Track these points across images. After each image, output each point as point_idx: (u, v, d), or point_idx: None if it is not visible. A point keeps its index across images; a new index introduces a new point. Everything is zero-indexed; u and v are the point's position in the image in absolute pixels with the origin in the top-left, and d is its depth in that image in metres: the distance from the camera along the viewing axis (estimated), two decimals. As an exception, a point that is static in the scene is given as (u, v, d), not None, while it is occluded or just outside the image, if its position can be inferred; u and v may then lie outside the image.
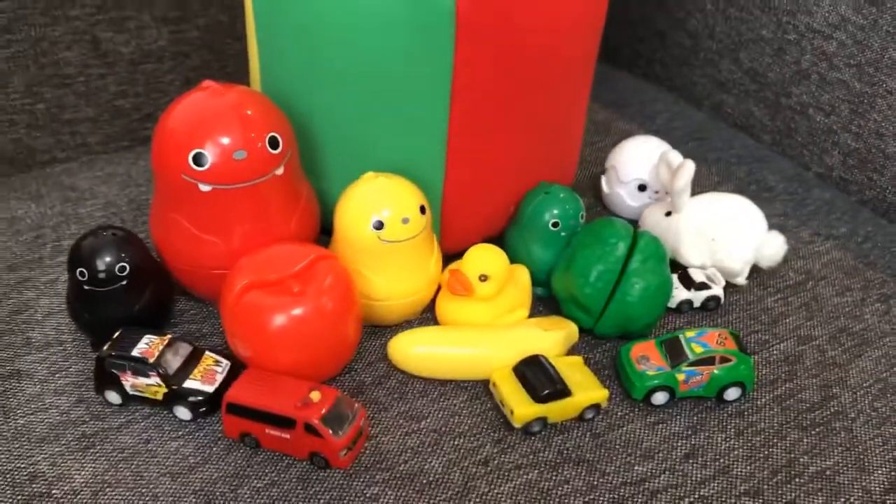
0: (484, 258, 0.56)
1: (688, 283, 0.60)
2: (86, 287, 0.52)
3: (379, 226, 0.53)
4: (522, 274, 0.59)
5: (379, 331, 0.57)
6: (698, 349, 0.53)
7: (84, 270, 0.52)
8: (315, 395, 0.47)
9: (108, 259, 0.52)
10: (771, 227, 0.65)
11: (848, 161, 0.78)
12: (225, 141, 0.51)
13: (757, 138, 0.85)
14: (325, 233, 0.59)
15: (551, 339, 0.55)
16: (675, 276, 0.61)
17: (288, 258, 0.51)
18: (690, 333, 0.54)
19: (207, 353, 0.52)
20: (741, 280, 0.62)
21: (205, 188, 0.51)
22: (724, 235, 0.61)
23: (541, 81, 0.58)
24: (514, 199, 0.62)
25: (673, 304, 0.60)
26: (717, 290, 0.60)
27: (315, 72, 0.57)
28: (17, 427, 0.50)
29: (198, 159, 0.50)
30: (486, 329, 0.55)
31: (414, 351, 0.53)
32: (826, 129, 0.78)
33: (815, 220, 0.72)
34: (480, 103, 0.56)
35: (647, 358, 0.53)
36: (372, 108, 0.56)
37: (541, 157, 0.63)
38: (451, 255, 0.60)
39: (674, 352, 0.53)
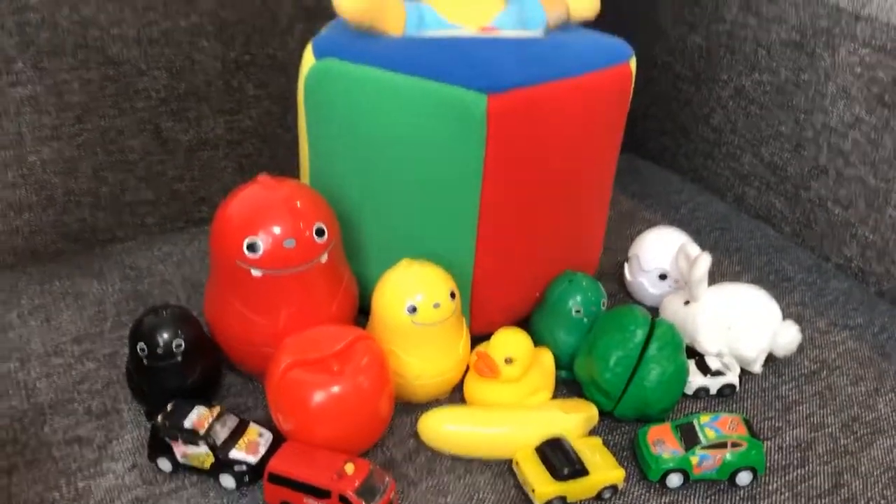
0: (509, 341, 0.60)
1: (704, 369, 0.63)
2: (145, 361, 0.57)
3: (412, 310, 0.58)
4: (547, 357, 0.63)
5: (410, 408, 0.61)
6: (711, 434, 0.56)
7: (144, 346, 0.57)
8: (349, 468, 0.51)
9: (166, 336, 0.57)
10: (788, 316, 0.68)
11: (866, 253, 0.81)
12: (276, 231, 0.56)
13: (778, 229, 0.89)
14: (362, 313, 0.64)
15: (572, 420, 0.58)
16: (692, 363, 0.64)
17: (329, 339, 0.56)
18: (704, 419, 0.57)
19: (252, 425, 0.56)
20: (757, 368, 0.65)
21: (256, 273, 0.56)
22: (740, 325, 0.65)
23: (565, 178, 0.63)
24: (539, 287, 0.66)
25: (690, 390, 0.63)
26: (733, 377, 0.63)
27: (358, 167, 0.63)
28: (77, 489, 0.55)
29: (251, 247, 0.56)
30: (511, 410, 0.59)
31: (443, 429, 0.57)
32: (844, 222, 0.82)
33: (832, 310, 0.75)
34: (508, 198, 0.61)
35: (662, 441, 0.56)
36: (409, 202, 0.62)
37: (565, 247, 0.67)
38: (479, 338, 0.64)
39: (688, 436, 0.56)
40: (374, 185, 0.63)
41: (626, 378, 0.59)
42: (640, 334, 0.59)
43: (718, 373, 0.63)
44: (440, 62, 0.58)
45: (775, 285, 0.76)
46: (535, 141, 0.59)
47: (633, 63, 0.65)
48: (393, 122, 0.60)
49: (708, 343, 0.65)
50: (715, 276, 0.68)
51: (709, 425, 0.56)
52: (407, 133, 0.59)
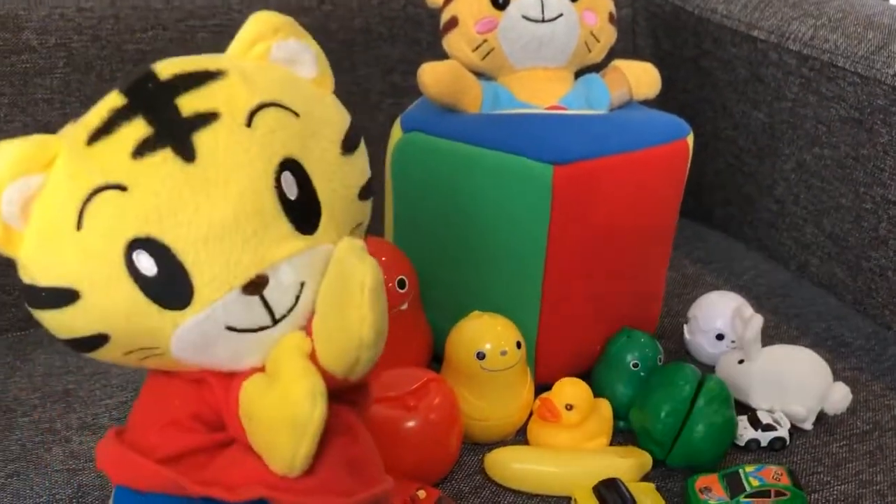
0: (571, 390, 0.65)
1: (756, 424, 0.67)
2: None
3: (481, 356, 0.64)
4: (605, 407, 0.68)
5: (477, 447, 0.66)
6: (755, 483, 0.59)
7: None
8: (421, 494, 0.57)
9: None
10: (843, 379, 0.71)
11: (927, 322, 0.83)
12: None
13: (839, 297, 0.91)
14: (436, 360, 0.70)
15: (627, 464, 0.63)
16: (745, 417, 0.68)
17: (406, 379, 0.62)
18: (749, 468, 0.61)
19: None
20: (807, 425, 0.68)
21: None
22: (791, 383, 0.68)
23: (625, 243, 0.69)
24: (599, 342, 0.71)
25: (741, 441, 0.67)
26: (783, 432, 0.67)
27: (436, 228, 0.70)
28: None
29: (341, 295, 0.63)
30: (571, 452, 0.64)
31: (507, 465, 0.63)
32: (904, 292, 0.85)
33: (889, 376, 0.77)
34: (571, 261, 0.66)
35: (709, 489, 0.60)
36: (480, 261, 0.68)
37: (625, 306, 0.73)
38: (542, 386, 0.69)
39: (733, 484, 0.60)
40: (449, 245, 0.70)
41: (677, 429, 0.63)
42: (688, 389, 0.64)
43: (769, 427, 0.67)
44: (512, 136, 0.65)
45: (832, 350, 0.79)
46: (596, 209, 0.66)
47: (690, 139, 0.71)
48: (468, 189, 0.67)
49: (760, 400, 0.69)
50: (773, 339, 0.71)
51: (753, 475, 0.60)
52: (480, 199, 0.67)
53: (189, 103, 0.38)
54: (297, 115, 0.40)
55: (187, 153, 0.37)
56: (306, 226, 0.39)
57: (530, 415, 0.68)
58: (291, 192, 0.39)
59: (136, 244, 0.37)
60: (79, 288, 0.38)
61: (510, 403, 0.66)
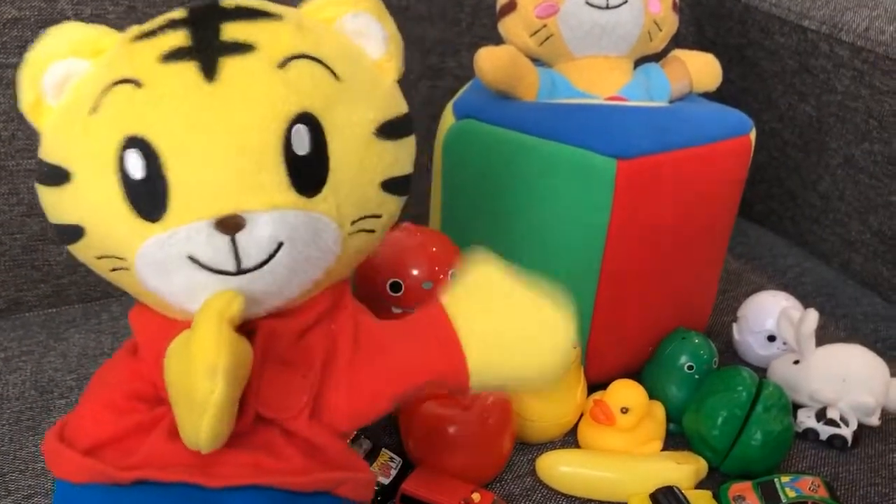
0: (626, 393, 0.63)
1: (820, 416, 0.66)
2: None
3: (537, 355, 0.62)
4: (658, 410, 0.66)
5: (527, 448, 0.65)
6: (791, 493, 0.57)
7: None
8: (476, 496, 0.55)
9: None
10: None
11: (976, 327, 0.81)
12: (416, 273, 0.61)
13: (885, 297, 0.90)
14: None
15: (684, 471, 0.61)
16: (811, 410, 0.66)
17: (458, 377, 0.60)
18: (785, 478, 0.59)
19: (384, 450, 0.61)
20: (874, 420, 0.66)
21: (396, 311, 0.62)
22: (855, 376, 0.67)
23: (683, 241, 0.67)
24: (653, 342, 0.69)
25: (799, 428, 0.65)
26: (846, 431, 0.65)
27: (488, 219, 0.68)
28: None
29: (394, 287, 0.61)
30: (626, 457, 0.62)
31: (560, 469, 0.61)
32: (954, 295, 0.83)
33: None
34: (629, 258, 0.64)
35: (743, 498, 0.58)
36: (534, 256, 0.66)
37: (679, 305, 0.71)
38: (593, 386, 0.68)
39: (768, 494, 0.58)
40: (501, 238, 0.67)
41: (733, 436, 0.61)
42: (746, 395, 0.62)
43: (833, 422, 0.65)
44: (572, 127, 0.63)
45: (882, 353, 0.77)
46: (657, 205, 0.63)
47: (753, 135, 0.69)
48: (524, 181, 0.65)
49: (825, 393, 0.67)
50: (822, 341, 0.70)
51: (789, 485, 0.58)
52: (537, 192, 0.64)
53: (231, 30, 0.38)
54: (336, 78, 0.39)
55: (209, 72, 0.37)
56: (305, 186, 0.38)
57: (581, 416, 0.66)
58: (300, 147, 0.38)
59: (132, 142, 0.37)
60: (72, 170, 0.39)
61: (564, 404, 0.64)
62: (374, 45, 0.42)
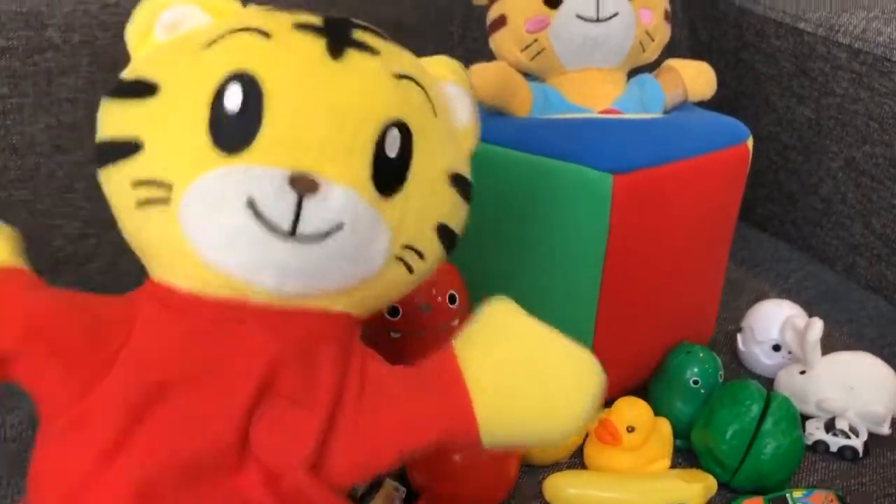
0: (632, 411, 0.62)
1: (830, 427, 0.64)
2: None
3: (539, 376, 0.61)
4: (665, 426, 0.65)
5: (532, 470, 0.64)
6: None
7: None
8: (482, 525, 0.54)
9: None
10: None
11: (984, 328, 0.80)
12: (413, 296, 0.60)
13: (890, 300, 0.88)
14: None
15: (692, 490, 0.60)
16: (820, 421, 0.65)
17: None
18: (798, 493, 0.58)
19: (388, 479, 0.60)
20: (885, 428, 0.65)
21: (395, 335, 0.61)
22: (863, 384, 0.66)
23: (683, 253, 0.66)
24: (656, 356, 0.68)
25: (809, 441, 0.64)
26: (856, 442, 0.64)
27: (486, 239, 0.67)
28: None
29: (391, 311, 0.60)
30: (634, 477, 0.61)
31: (569, 491, 0.60)
32: (960, 297, 0.82)
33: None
34: (628, 272, 0.63)
35: None
36: (534, 274, 0.65)
37: (681, 317, 0.70)
38: (598, 404, 0.67)
39: None
40: (500, 256, 0.67)
41: (743, 451, 0.60)
42: (755, 408, 0.61)
43: (843, 433, 0.64)
44: (566, 143, 0.62)
45: (889, 359, 0.76)
46: (655, 218, 0.63)
47: (750, 143, 0.68)
48: (521, 198, 0.64)
49: (834, 403, 0.66)
50: (827, 348, 0.69)
51: (801, 500, 0.57)
52: (533, 209, 0.63)
53: (361, 35, 0.41)
54: (434, 114, 0.43)
55: (336, 53, 0.39)
56: (382, 186, 0.39)
57: (586, 436, 0.65)
58: (391, 149, 0.39)
59: (238, 77, 0.37)
60: (162, 85, 0.39)
61: (568, 425, 0.63)
62: (463, 113, 0.46)
